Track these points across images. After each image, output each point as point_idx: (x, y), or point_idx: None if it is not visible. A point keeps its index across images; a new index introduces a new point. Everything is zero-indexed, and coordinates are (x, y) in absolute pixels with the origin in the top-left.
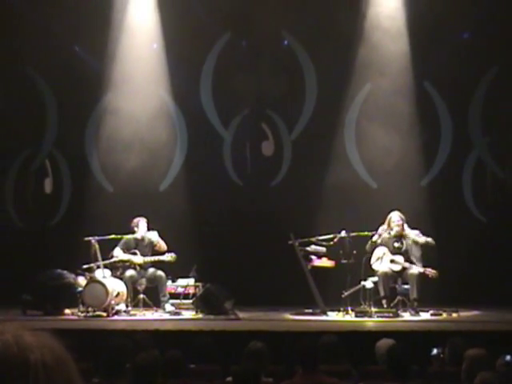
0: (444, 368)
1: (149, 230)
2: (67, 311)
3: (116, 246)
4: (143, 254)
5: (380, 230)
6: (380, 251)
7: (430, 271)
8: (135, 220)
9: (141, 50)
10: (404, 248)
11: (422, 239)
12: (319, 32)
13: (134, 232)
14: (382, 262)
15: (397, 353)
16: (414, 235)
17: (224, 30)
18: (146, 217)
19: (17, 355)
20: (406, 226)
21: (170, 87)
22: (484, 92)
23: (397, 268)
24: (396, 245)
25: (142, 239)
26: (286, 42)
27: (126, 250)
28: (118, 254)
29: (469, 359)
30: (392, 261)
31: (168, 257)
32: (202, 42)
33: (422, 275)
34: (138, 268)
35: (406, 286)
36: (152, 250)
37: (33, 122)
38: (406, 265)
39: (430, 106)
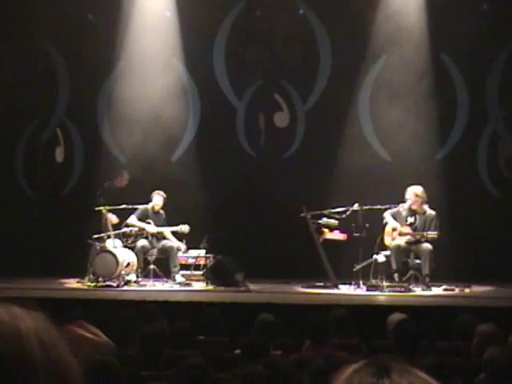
0: None
1: (165, 205)
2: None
3: (128, 215)
4: (157, 224)
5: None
6: (389, 226)
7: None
8: (154, 192)
9: (154, 19)
10: (416, 224)
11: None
12: (334, 2)
13: (148, 202)
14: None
15: (405, 327)
16: (429, 218)
17: None
18: (161, 189)
19: (8, 324)
20: (424, 203)
21: (183, 56)
22: (502, 65)
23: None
24: (409, 220)
25: (158, 212)
26: (300, 12)
27: (141, 219)
28: (133, 221)
29: (479, 335)
30: (400, 233)
31: (181, 228)
32: (215, 11)
33: (434, 250)
34: (150, 238)
35: (418, 261)
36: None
37: (44, 91)
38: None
39: (446, 79)
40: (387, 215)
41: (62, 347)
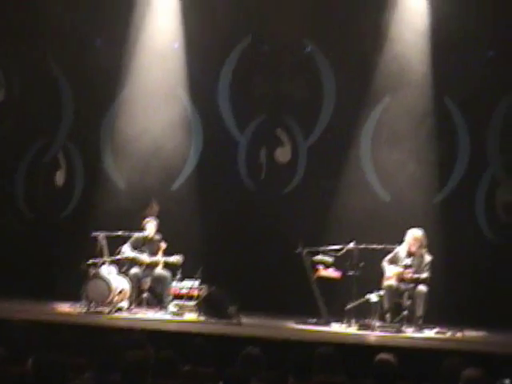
0: None
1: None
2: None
3: (124, 242)
4: (151, 254)
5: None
6: (389, 271)
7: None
8: (146, 219)
9: (161, 48)
10: (414, 265)
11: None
12: (341, 41)
13: (143, 230)
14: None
15: (386, 367)
16: (425, 261)
17: (245, 33)
18: (157, 216)
19: None
20: (423, 247)
21: (188, 87)
22: (504, 111)
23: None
24: (406, 260)
25: (151, 239)
26: (307, 49)
27: (135, 247)
28: (126, 250)
29: (464, 379)
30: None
31: (175, 258)
32: (222, 44)
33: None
34: (143, 267)
35: (411, 303)
36: (159, 250)
37: (48, 113)
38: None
39: (448, 123)
40: (385, 265)
41: None
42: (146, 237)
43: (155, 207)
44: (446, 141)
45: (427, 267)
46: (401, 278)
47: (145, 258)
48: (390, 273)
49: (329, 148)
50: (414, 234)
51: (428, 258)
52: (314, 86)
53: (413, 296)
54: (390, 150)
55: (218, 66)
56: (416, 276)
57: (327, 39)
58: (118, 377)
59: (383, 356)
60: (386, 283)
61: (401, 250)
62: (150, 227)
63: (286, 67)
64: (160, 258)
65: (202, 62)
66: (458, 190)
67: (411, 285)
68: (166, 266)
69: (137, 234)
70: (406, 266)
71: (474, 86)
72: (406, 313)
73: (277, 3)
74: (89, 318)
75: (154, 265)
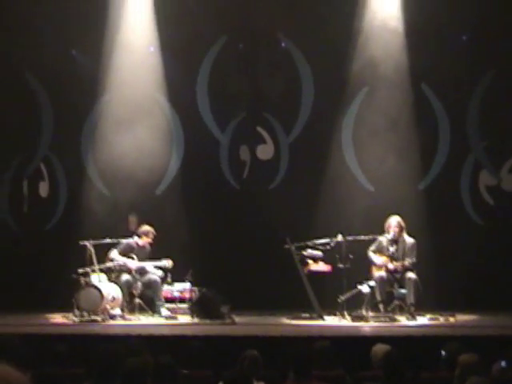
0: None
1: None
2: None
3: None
4: (140, 259)
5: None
6: (379, 259)
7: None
8: (145, 228)
9: (137, 53)
10: (399, 252)
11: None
12: (316, 34)
13: (133, 235)
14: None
15: (393, 358)
16: (408, 246)
17: (221, 32)
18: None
19: None
20: (404, 232)
21: (166, 90)
22: (482, 95)
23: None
24: (391, 249)
25: (143, 246)
26: (283, 45)
27: (124, 253)
28: (115, 256)
29: (461, 365)
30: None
31: (164, 263)
32: (198, 45)
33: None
34: (133, 272)
35: (402, 291)
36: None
37: (28, 126)
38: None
39: (427, 109)
40: (372, 255)
41: None
42: (139, 244)
43: (133, 220)
44: (427, 128)
45: (413, 251)
46: (390, 270)
47: (132, 263)
48: (380, 261)
49: (310, 143)
50: (393, 220)
51: (411, 240)
52: (291, 81)
53: (403, 284)
54: (372, 140)
55: (196, 67)
56: (405, 264)
57: (302, 34)
58: None
59: (384, 347)
60: (376, 274)
61: (383, 239)
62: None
63: (263, 64)
64: (149, 263)
65: (179, 64)
66: (442, 175)
67: (400, 273)
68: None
69: (126, 240)
70: (392, 257)
71: (451, 72)
72: (397, 301)
73: (250, 0)
74: (83, 327)
75: (143, 270)
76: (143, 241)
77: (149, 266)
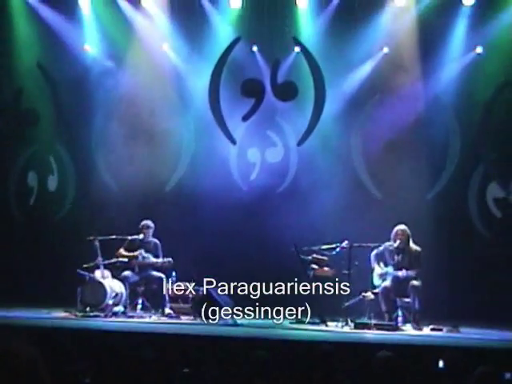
0: None
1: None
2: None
3: (118, 245)
4: (145, 257)
5: (384, 245)
6: (382, 269)
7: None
8: (144, 223)
9: (151, 50)
10: (404, 262)
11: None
12: (330, 40)
13: (139, 233)
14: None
15: (395, 366)
16: (414, 255)
17: (236, 33)
18: (152, 220)
19: None
20: (410, 241)
21: (179, 89)
22: (496, 109)
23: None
24: (396, 258)
25: (148, 242)
26: (297, 49)
27: (130, 249)
28: (121, 252)
29: (477, 377)
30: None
31: (165, 261)
32: (213, 46)
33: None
34: (137, 269)
35: (406, 300)
36: (155, 253)
37: (40, 118)
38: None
39: (439, 119)
40: (373, 260)
41: None
42: (143, 240)
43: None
44: (438, 138)
45: (418, 260)
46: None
47: (136, 260)
48: (380, 271)
49: (320, 147)
50: (400, 229)
51: (416, 249)
52: (304, 85)
53: (407, 293)
54: (382, 147)
55: (209, 67)
56: (410, 275)
57: (317, 39)
58: (120, 381)
59: (386, 354)
60: (381, 285)
61: (389, 247)
62: (148, 232)
63: (276, 67)
64: (153, 260)
65: (193, 64)
66: (450, 186)
67: (405, 282)
68: (160, 268)
69: (131, 237)
70: (398, 263)
71: (465, 84)
72: (401, 310)
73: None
74: (85, 322)
75: (147, 267)
76: (143, 235)
77: (153, 263)
